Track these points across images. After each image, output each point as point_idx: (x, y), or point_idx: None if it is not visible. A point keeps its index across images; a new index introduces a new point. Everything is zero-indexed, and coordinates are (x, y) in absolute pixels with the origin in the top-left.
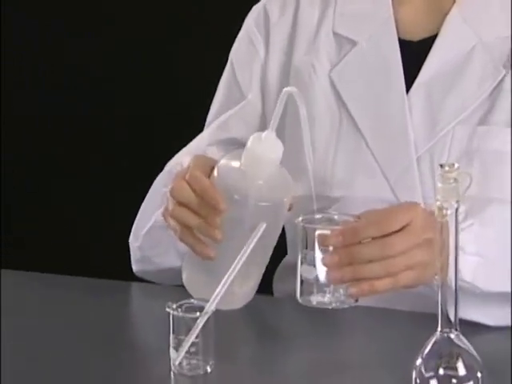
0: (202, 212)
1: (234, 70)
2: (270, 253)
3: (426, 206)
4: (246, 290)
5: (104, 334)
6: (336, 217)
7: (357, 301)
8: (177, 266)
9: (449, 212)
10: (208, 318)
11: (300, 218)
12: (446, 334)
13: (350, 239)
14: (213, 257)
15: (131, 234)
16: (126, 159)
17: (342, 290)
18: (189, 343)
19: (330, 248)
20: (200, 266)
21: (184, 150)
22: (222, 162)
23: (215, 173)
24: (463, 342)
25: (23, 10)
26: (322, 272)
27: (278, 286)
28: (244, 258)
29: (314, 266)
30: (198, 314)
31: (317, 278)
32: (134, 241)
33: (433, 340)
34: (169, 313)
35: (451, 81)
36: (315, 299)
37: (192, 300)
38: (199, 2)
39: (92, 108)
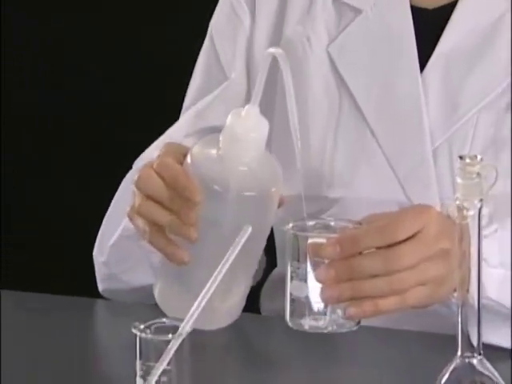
0: (174, 206)
1: (213, 46)
2: (258, 259)
3: (443, 208)
4: (231, 306)
5: (62, 359)
6: (333, 223)
7: (358, 323)
8: (151, 284)
9: (470, 213)
10: (182, 341)
11: (290, 225)
12: (467, 360)
13: (348, 249)
14: (187, 261)
15: (95, 246)
16: (126, 159)
17: (339, 311)
18: (159, 371)
19: (326, 260)
20: (175, 276)
21: (155, 143)
22: (196, 146)
23: (188, 159)
24: (488, 369)
25: (23, 10)
26: (315, 289)
27: (265, 303)
28: (227, 266)
29: (306, 281)
30: (170, 335)
31: (309, 297)
32: (99, 255)
33: (452, 366)
34: (135, 334)
35: (475, 56)
36: (308, 322)
37: (164, 319)
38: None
39: (92, 108)
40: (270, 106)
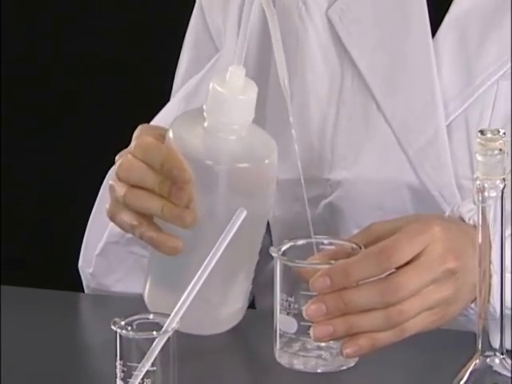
0: (163, 191)
1: (203, 15)
2: (259, 248)
3: (454, 209)
4: (229, 305)
5: (39, 358)
6: (326, 241)
7: (356, 359)
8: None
9: (492, 194)
10: (168, 339)
11: (281, 249)
12: (487, 359)
13: (340, 282)
14: (180, 248)
15: (80, 256)
16: None
17: (334, 346)
18: (142, 373)
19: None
20: (167, 274)
21: None
22: (176, 121)
23: (170, 135)
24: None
25: (23, 11)
26: (305, 325)
27: (259, 297)
28: (219, 253)
29: (295, 316)
30: (154, 333)
31: (299, 333)
32: (85, 265)
33: (470, 367)
34: (115, 332)
35: (493, 18)
36: (298, 361)
37: (147, 315)
38: None
39: (93, 108)
40: (264, 77)
